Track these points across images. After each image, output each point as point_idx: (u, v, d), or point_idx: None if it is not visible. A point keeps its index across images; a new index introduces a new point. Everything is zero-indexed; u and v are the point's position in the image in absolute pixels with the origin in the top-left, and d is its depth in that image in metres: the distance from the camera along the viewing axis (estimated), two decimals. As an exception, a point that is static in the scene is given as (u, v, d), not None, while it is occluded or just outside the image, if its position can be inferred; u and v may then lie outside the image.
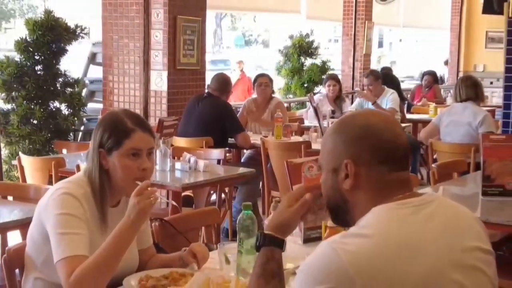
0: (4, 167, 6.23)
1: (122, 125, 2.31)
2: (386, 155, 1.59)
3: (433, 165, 4.52)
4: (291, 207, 1.86)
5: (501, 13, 5.23)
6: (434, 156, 5.81)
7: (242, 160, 6.47)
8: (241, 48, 32.04)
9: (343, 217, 1.68)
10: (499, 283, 2.90)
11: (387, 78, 8.10)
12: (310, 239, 2.68)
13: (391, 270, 1.43)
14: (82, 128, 8.08)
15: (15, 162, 4.94)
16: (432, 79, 10.27)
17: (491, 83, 12.72)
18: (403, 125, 7.68)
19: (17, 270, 2.42)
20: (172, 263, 2.43)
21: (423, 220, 1.53)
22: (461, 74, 13.92)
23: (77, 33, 6.65)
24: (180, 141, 5.62)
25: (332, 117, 6.63)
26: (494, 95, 11.64)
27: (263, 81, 6.77)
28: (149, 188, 2.18)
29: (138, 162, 2.30)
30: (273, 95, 7.04)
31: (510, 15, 4.86)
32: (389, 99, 7.62)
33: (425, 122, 7.54)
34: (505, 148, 3.59)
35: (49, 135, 6.42)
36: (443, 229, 1.54)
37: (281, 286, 1.72)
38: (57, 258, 2.15)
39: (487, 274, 1.57)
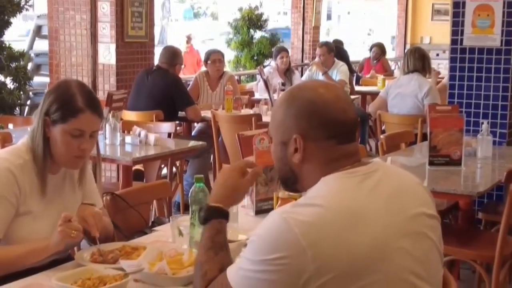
0: None
1: (73, 102, 2.30)
2: (334, 130, 1.61)
3: (381, 136, 4.58)
4: (242, 179, 1.89)
5: (447, -15, 5.30)
6: (383, 128, 5.90)
7: (192, 134, 6.45)
8: (190, 21, 31.68)
9: (293, 186, 1.73)
10: (447, 250, 3.00)
11: (337, 51, 8.18)
12: (262, 210, 2.70)
13: (341, 239, 1.45)
14: (28, 102, 7.91)
15: (-41, 138, 4.81)
16: (380, 51, 10.38)
17: (437, 55, 12.92)
18: (352, 97, 7.76)
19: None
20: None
21: (370, 188, 1.56)
22: (408, 46, 14.09)
23: (21, 5, 6.48)
24: (130, 115, 5.56)
25: (282, 90, 6.65)
26: (440, 67, 11.83)
27: (216, 58, 6.60)
28: (75, 223, 2.18)
29: (79, 141, 2.31)
30: (224, 69, 6.99)
31: (455, -12, 4.92)
32: (339, 71, 7.70)
33: (373, 94, 7.63)
34: (450, 119, 3.67)
35: (-6, 110, 6.28)
36: (388, 197, 1.57)
37: (228, 256, 1.74)
38: None
39: (432, 239, 1.61)
